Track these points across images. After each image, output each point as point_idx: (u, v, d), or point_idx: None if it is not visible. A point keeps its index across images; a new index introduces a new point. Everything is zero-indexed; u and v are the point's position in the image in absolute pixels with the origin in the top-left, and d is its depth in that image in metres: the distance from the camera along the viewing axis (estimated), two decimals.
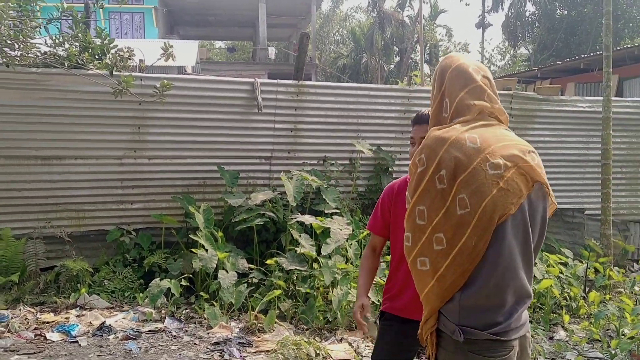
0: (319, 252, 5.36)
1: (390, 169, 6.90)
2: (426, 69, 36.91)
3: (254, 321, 4.85)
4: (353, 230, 5.81)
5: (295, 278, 5.33)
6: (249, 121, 6.43)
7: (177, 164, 6.25)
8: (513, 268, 1.75)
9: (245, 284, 5.21)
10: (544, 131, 7.41)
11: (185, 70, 12.70)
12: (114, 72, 5.85)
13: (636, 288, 5.90)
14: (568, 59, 13.05)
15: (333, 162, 6.70)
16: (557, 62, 12.61)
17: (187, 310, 5.26)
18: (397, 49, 35.92)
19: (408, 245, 1.84)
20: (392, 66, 35.50)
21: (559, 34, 31.01)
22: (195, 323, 5.04)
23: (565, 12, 31.42)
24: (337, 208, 6.20)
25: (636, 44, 11.99)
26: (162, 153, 6.20)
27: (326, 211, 6.10)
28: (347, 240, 5.58)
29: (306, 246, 5.32)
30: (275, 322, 4.85)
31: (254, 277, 5.40)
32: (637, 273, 7.07)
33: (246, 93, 6.38)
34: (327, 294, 5.23)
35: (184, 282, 5.32)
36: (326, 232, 5.73)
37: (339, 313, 4.83)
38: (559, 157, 7.47)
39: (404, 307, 2.59)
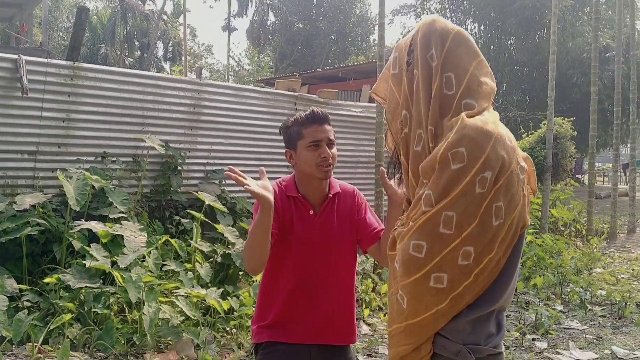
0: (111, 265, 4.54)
1: (179, 168, 6.31)
2: (167, 67, 35.95)
3: (39, 355, 3.85)
4: (148, 237, 5.11)
5: (83, 298, 4.42)
6: (8, 107, 5.18)
7: None
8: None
9: (26, 310, 4.12)
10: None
11: None
12: None
13: None
14: (327, 68, 14.03)
15: (114, 159, 5.83)
16: (317, 70, 13.42)
17: None
18: (138, 43, 34.15)
19: (418, 257, 1.47)
20: (132, 60, 33.59)
21: (296, 46, 33.24)
22: None
23: (301, 26, 33.87)
24: (123, 212, 5.38)
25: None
26: None
27: (111, 216, 5.25)
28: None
29: (99, 258, 4.46)
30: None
31: (28, 299, 4.32)
32: None
33: (6, 72, 5.12)
34: (126, 313, 4.46)
35: None
36: (116, 241, 4.92)
37: (148, 334, 4.14)
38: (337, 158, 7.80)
39: (306, 332, 2.19)
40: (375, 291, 6.02)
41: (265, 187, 1.93)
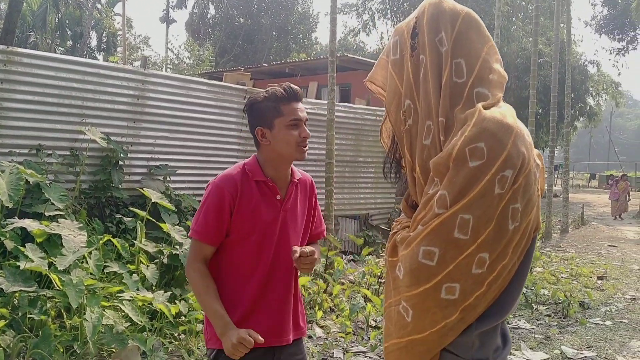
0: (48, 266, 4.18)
1: (121, 163, 5.94)
2: (100, 58, 34.50)
3: None
4: (88, 236, 4.75)
5: (17, 302, 4.04)
6: None
7: None
8: None
9: None
10: None
11: None
12: None
13: (368, 277, 6.33)
14: (274, 63, 13.70)
15: (51, 152, 5.41)
16: (264, 64, 13.13)
17: None
18: (70, 32, 32.58)
19: (429, 265, 1.31)
20: (63, 50, 31.97)
21: (237, 40, 32.71)
22: None
23: (242, 21, 33.36)
24: (60, 210, 5.00)
25: (322, 57, 13.33)
26: None
27: (46, 213, 4.86)
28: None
29: (34, 259, 4.08)
30: None
31: None
32: (352, 265, 7.67)
33: None
34: (64, 319, 4.12)
35: None
36: (53, 241, 4.56)
37: (90, 342, 3.82)
38: None
39: (264, 332, 2.03)
40: (326, 292, 5.89)
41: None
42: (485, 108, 1.36)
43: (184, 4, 33.27)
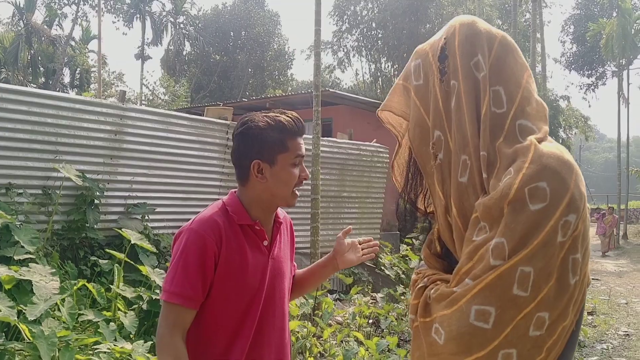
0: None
1: (97, 202, 5.62)
2: (73, 94, 34.08)
3: None
4: (61, 281, 4.41)
5: None
6: None
7: None
8: None
9: None
10: None
11: None
12: None
13: (358, 319, 6.05)
14: (254, 98, 13.57)
15: (21, 191, 5.08)
16: (244, 100, 12.96)
17: None
18: (42, 69, 32.18)
19: (484, 329, 1.09)
20: (36, 86, 31.51)
21: (213, 77, 32.68)
22: None
23: (218, 57, 33.40)
24: (31, 253, 4.65)
25: (304, 92, 13.25)
26: None
27: (16, 257, 4.51)
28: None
29: (2, 308, 3.73)
30: None
31: None
32: (339, 305, 7.37)
33: None
34: None
35: None
36: (23, 287, 4.20)
37: None
38: None
39: None
40: (315, 336, 5.58)
41: None
42: (548, 145, 1.19)
43: (160, 41, 33.21)
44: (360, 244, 1.99)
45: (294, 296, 2.05)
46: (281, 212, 1.89)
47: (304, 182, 1.78)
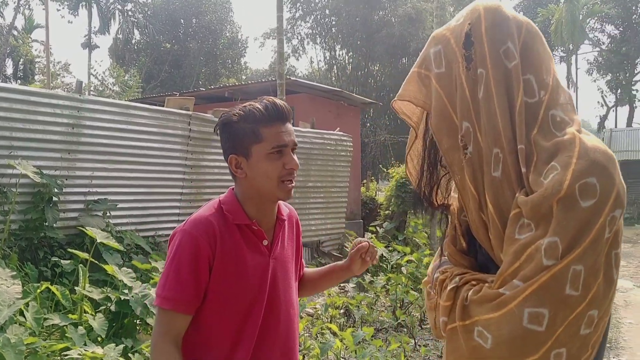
0: None
1: (55, 199, 5.35)
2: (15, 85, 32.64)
3: None
4: (23, 285, 4.17)
5: None
6: None
7: None
8: None
9: None
10: (220, 155, 7.03)
11: None
12: None
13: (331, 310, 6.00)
14: (212, 87, 13.20)
15: None
16: (202, 89, 12.59)
17: None
18: None
19: (538, 331, 1.06)
20: None
21: (164, 66, 31.89)
22: None
23: (169, 46, 32.60)
24: None
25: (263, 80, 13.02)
26: None
27: None
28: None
29: None
30: None
31: None
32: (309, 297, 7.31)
33: None
34: None
35: None
36: None
37: None
38: (231, 184, 7.22)
39: None
40: None
41: None
42: (590, 139, 1.15)
43: (107, 30, 32.13)
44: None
45: (304, 294, 1.97)
46: (285, 208, 1.78)
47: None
